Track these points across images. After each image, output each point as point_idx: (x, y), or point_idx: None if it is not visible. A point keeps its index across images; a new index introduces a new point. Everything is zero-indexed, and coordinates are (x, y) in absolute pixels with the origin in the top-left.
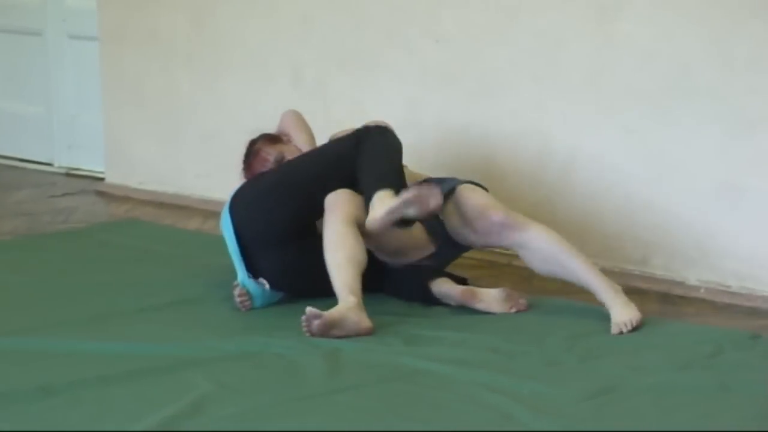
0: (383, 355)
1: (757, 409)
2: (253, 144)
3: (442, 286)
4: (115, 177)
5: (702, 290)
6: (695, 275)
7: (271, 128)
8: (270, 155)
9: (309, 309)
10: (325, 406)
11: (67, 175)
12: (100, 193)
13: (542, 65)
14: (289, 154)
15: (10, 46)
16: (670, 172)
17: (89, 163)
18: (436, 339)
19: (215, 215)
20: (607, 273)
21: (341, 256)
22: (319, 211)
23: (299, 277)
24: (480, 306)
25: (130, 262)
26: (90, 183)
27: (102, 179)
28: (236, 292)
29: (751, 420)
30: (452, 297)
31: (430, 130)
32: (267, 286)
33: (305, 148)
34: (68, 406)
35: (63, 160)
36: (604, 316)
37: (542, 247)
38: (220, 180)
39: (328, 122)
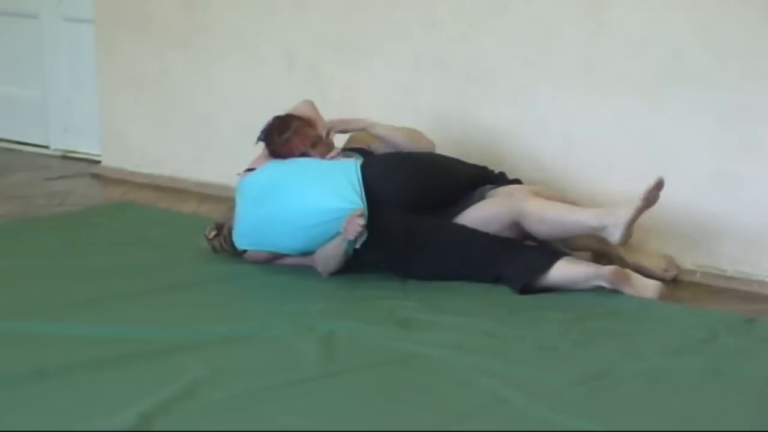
0: (378, 339)
1: (750, 393)
2: (288, 122)
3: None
4: (110, 160)
5: (697, 274)
6: (691, 259)
7: (266, 112)
8: (309, 138)
9: None
10: (318, 389)
11: (63, 158)
12: (96, 176)
13: (535, 51)
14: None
15: (5, 29)
16: (663, 157)
17: (85, 146)
18: (431, 323)
19: (211, 198)
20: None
21: None
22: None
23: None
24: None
25: (126, 246)
26: (86, 166)
27: (98, 162)
28: (361, 221)
29: (744, 404)
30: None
31: (424, 115)
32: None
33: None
34: (61, 389)
35: (59, 143)
36: (599, 301)
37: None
38: (215, 163)
39: (322, 106)
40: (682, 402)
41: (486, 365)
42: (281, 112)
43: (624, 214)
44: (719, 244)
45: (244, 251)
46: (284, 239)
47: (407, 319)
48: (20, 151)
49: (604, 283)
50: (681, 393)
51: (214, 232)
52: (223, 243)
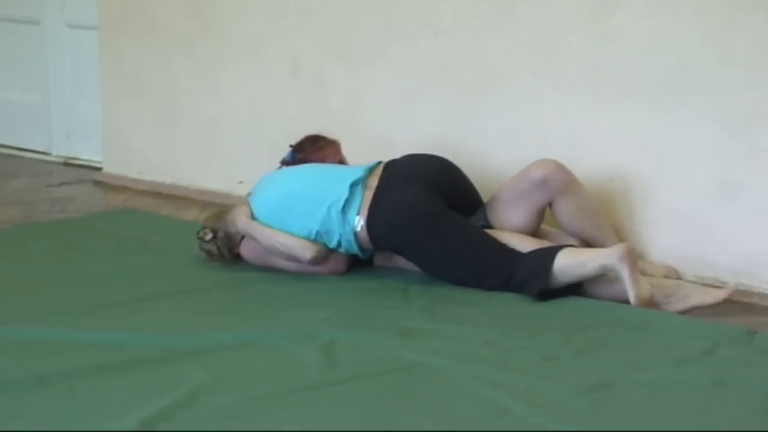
0: (379, 348)
1: (752, 405)
2: (323, 136)
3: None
4: (112, 167)
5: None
6: (692, 271)
7: (270, 119)
8: (340, 154)
9: None
10: (320, 397)
11: (65, 164)
12: (98, 183)
13: (540, 59)
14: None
15: (9, 35)
16: (667, 167)
17: (87, 153)
18: (433, 332)
19: (213, 206)
20: None
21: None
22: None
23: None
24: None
25: (127, 252)
26: (87, 172)
27: (100, 169)
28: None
29: (746, 416)
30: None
31: (428, 123)
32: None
33: None
34: (63, 395)
35: (61, 149)
36: (600, 312)
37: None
38: (219, 170)
39: (326, 113)
40: (683, 413)
41: (487, 375)
42: (285, 118)
43: (678, 304)
44: (720, 255)
45: (243, 237)
46: (301, 216)
47: (409, 328)
48: (22, 157)
49: (614, 260)
50: (683, 404)
51: (210, 235)
52: (220, 245)
